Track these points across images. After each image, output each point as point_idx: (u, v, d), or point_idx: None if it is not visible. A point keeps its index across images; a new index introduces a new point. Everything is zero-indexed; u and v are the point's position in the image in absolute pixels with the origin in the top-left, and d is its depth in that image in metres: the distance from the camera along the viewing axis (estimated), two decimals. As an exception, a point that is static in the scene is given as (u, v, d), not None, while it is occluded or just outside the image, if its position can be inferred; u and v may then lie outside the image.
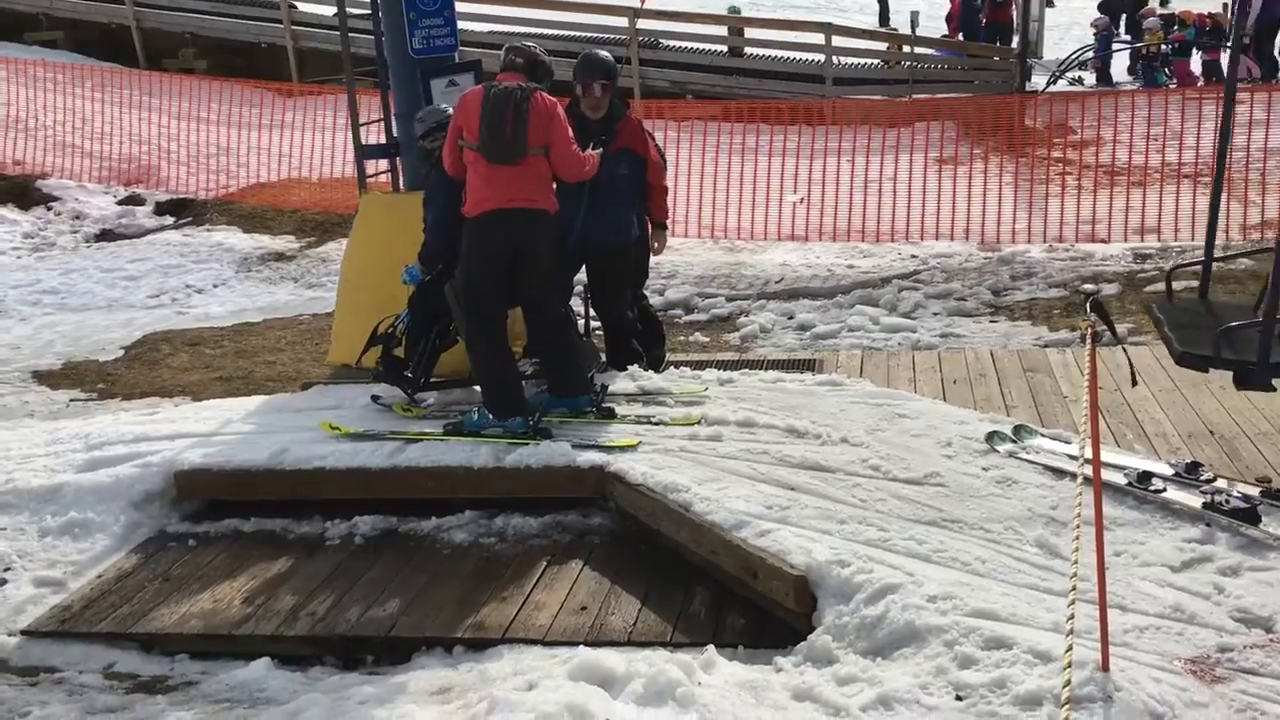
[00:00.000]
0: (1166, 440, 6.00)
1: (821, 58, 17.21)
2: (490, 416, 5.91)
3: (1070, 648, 3.35)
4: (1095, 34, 19.93)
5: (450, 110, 6.31)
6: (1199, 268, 6.06)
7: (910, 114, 13.83)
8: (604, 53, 6.72)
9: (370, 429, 6.06)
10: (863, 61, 17.86)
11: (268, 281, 11.78)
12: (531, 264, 5.89)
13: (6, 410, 8.20)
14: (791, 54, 17.88)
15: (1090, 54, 19.61)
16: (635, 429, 5.86)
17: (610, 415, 6.00)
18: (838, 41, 17.22)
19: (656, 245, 6.90)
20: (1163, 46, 18.65)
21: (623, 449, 5.58)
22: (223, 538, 5.76)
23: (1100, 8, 21.43)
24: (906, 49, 17.40)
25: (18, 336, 10.15)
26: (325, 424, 6.13)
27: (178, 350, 9.56)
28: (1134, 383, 4.25)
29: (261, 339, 9.76)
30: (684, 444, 5.64)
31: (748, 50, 18.27)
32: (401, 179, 7.59)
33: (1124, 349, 4.06)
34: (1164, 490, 5.04)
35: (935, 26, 21.21)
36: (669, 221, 7.21)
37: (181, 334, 10.01)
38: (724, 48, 18.39)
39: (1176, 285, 6.14)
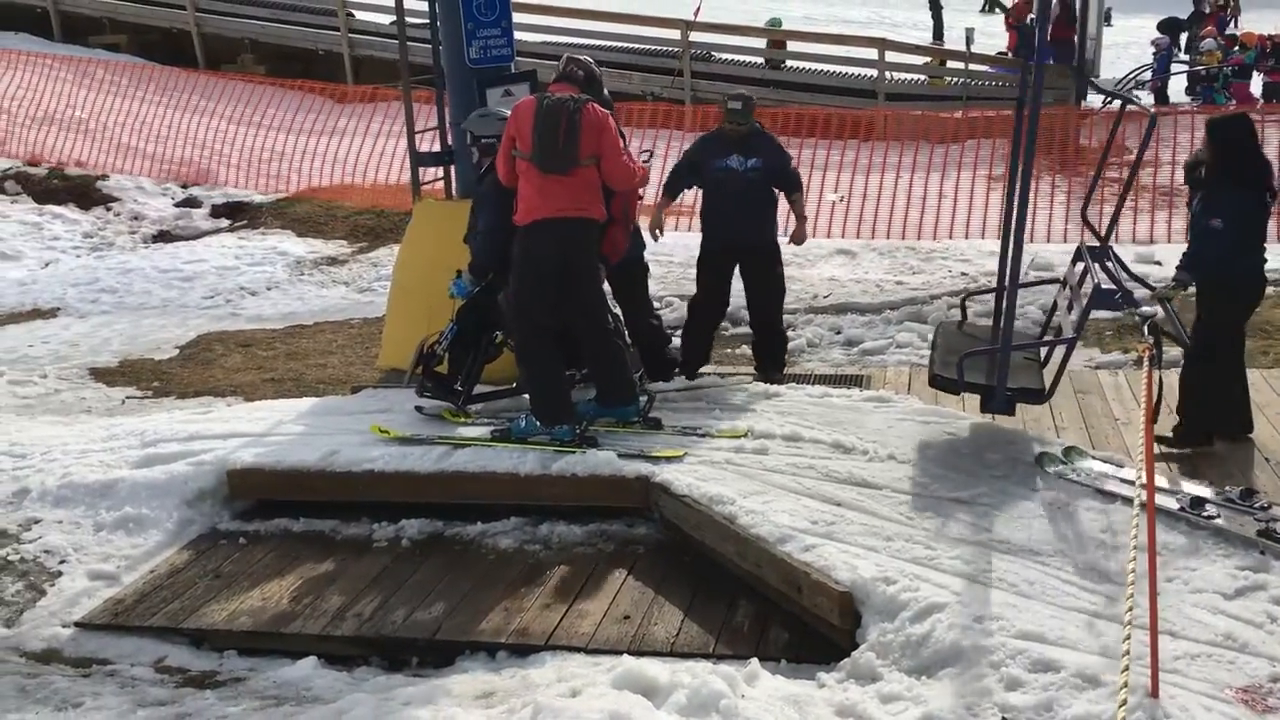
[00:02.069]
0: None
1: (874, 73, 17.16)
2: (538, 424, 5.94)
3: (1127, 668, 3.32)
4: (1155, 53, 19.71)
5: (504, 115, 6.37)
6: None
7: (962, 130, 13.75)
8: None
9: (418, 433, 6.12)
10: (916, 77, 17.79)
11: (320, 285, 11.91)
12: (581, 273, 5.93)
13: (64, 406, 8.36)
14: (845, 69, 17.84)
15: (1148, 74, 19.37)
16: (681, 440, 5.87)
17: (657, 426, 6.02)
18: (891, 57, 17.17)
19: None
20: (1224, 69, 18.40)
21: (669, 459, 5.59)
22: (272, 537, 5.84)
23: (1160, 27, 21.20)
24: (960, 65, 17.30)
25: (76, 334, 10.34)
26: (375, 427, 6.20)
27: (231, 351, 9.69)
28: (1155, 419, 4.18)
29: (313, 342, 9.87)
30: (730, 456, 5.64)
31: (798, 64, 18.23)
32: (455, 187, 7.66)
33: (1160, 378, 4.01)
34: (1217, 516, 4.97)
35: (990, 44, 21.08)
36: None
37: (235, 335, 10.15)
38: (806, 65, 18.35)
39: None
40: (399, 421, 6.33)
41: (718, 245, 7.09)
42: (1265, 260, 5.81)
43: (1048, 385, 5.83)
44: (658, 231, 7.19)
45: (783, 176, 7.05)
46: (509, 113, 6.12)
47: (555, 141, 5.73)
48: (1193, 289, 5.89)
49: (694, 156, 7.22)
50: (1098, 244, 6.12)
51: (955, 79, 17.37)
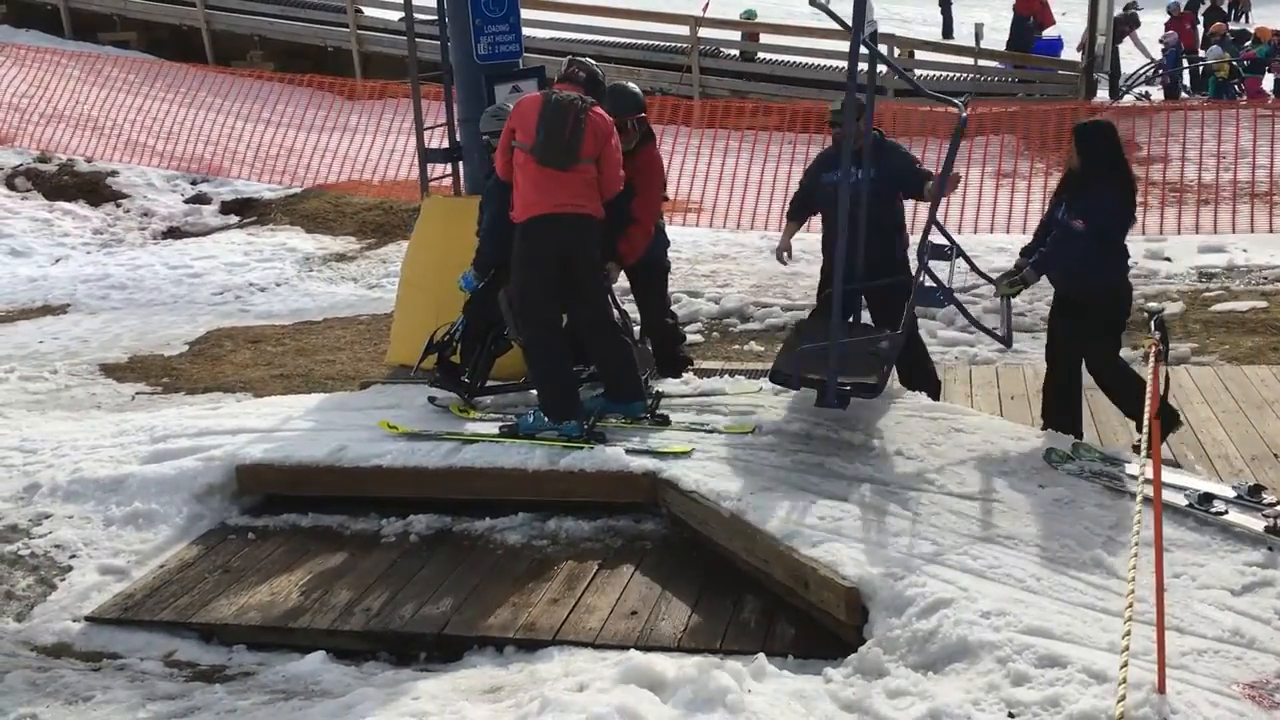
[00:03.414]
0: (1229, 462, 5.91)
1: (883, 69, 17.11)
2: (545, 419, 5.95)
3: (1125, 664, 3.32)
4: (1164, 50, 19.63)
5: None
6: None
7: (970, 126, 13.72)
8: (633, 86, 6.57)
9: (426, 429, 6.14)
10: (925, 73, 17.75)
11: (328, 281, 11.96)
12: (581, 269, 5.93)
13: (75, 402, 8.40)
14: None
15: (1155, 71, 19.32)
16: (689, 436, 5.87)
17: (665, 422, 6.02)
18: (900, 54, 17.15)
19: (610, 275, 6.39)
20: (1234, 63, 18.32)
21: (676, 455, 5.60)
22: (281, 532, 5.86)
23: (1169, 25, 21.11)
24: (970, 61, 17.28)
25: (86, 330, 10.39)
26: (383, 423, 6.22)
27: (240, 347, 9.73)
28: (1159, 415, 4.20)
29: (321, 338, 9.91)
30: (737, 452, 5.65)
31: (804, 60, 18.20)
32: (463, 183, 7.68)
33: (1166, 375, 4.01)
34: (1225, 513, 4.96)
35: (999, 40, 21.01)
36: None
37: (244, 331, 10.19)
38: (781, 57, 18.33)
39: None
40: (407, 417, 6.34)
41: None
42: (1129, 267, 5.87)
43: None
44: (785, 255, 6.65)
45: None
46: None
47: (561, 135, 5.72)
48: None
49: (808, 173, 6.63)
50: (946, 243, 6.15)
51: (964, 75, 17.32)
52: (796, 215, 6.69)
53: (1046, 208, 6.26)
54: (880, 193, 6.15)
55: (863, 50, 5.41)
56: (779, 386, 5.97)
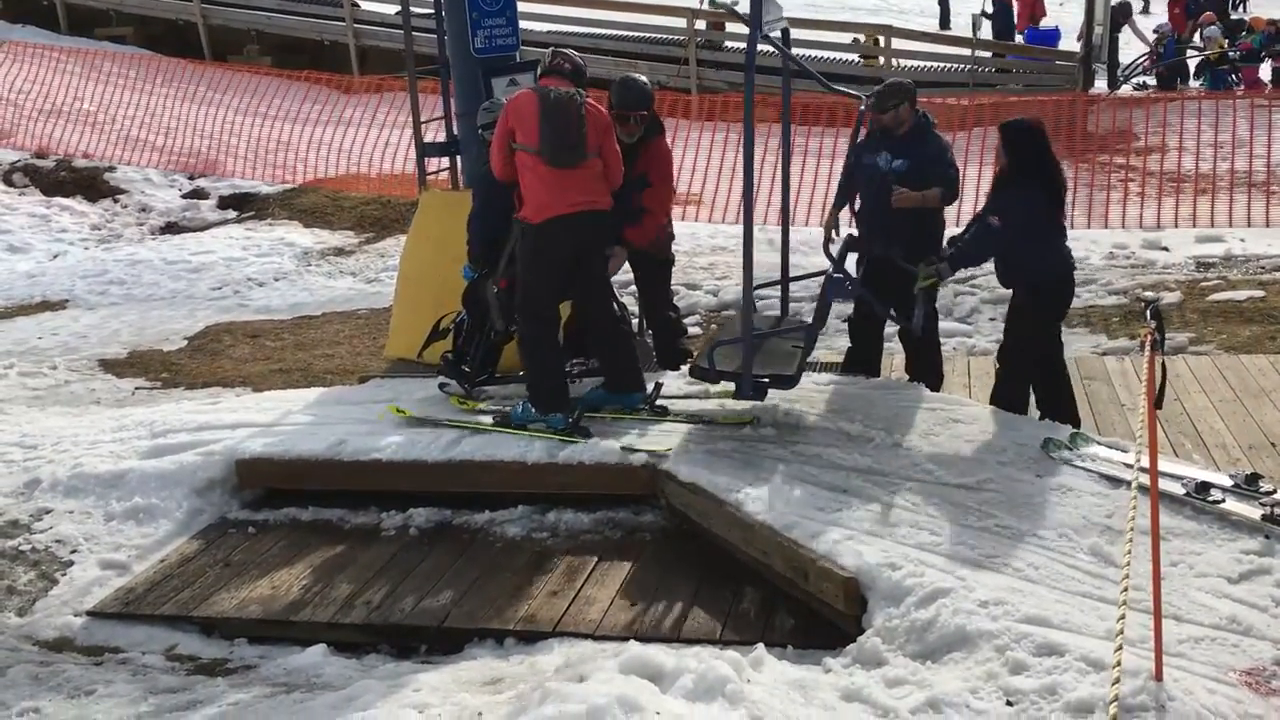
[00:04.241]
0: (1226, 451, 5.93)
1: (880, 60, 17.13)
2: (533, 411, 5.96)
3: (1120, 647, 3.34)
4: (1157, 39, 19.61)
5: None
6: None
7: (969, 117, 13.73)
8: (641, 78, 6.51)
9: (431, 415, 6.17)
10: (922, 64, 17.74)
11: (327, 276, 11.96)
12: (590, 263, 5.94)
13: (74, 397, 8.41)
14: (849, 56, 17.78)
15: (1150, 60, 19.30)
16: (687, 428, 5.88)
17: (663, 413, 6.03)
18: (897, 44, 17.13)
19: (612, 264, 6.37)
20: (1230, 53, 18.31)
21: (660, 454, 5.57)
22: (281, 526, 5.88)
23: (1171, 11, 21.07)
24: (967, 52, 17.26)
25: (85, 325, 10.40)
26: (391, 407, 6.25)
27: (239, 342, 9.73)
28: (1159, 404, 4.23)
29: (320, 332, 9.91)
30: (736, 444, 5.66)
31: (802, 52, 18.15)
32: (461, 177, 7.68)
33: (1163, 364, 4.03)
34: (1222, 501, 4.97)
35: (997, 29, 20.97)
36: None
37: (243, 326, 10.19)
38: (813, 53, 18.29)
39: None
40: (409, 407, 6.35)
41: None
42: (1066, 262, 5.87)
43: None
44: (832, 233, 6.41)
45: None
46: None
47: (567, 133, 5.68)
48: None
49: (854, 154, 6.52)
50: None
51: (962, 65, 17.31)
52: (842, 194, 6.55)
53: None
54: (910, 180, 6.09)
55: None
56: (699, 380, 5.97)
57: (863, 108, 5.87)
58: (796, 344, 5.89)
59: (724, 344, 5.78)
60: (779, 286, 6.60)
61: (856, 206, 6.47)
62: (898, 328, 6.47)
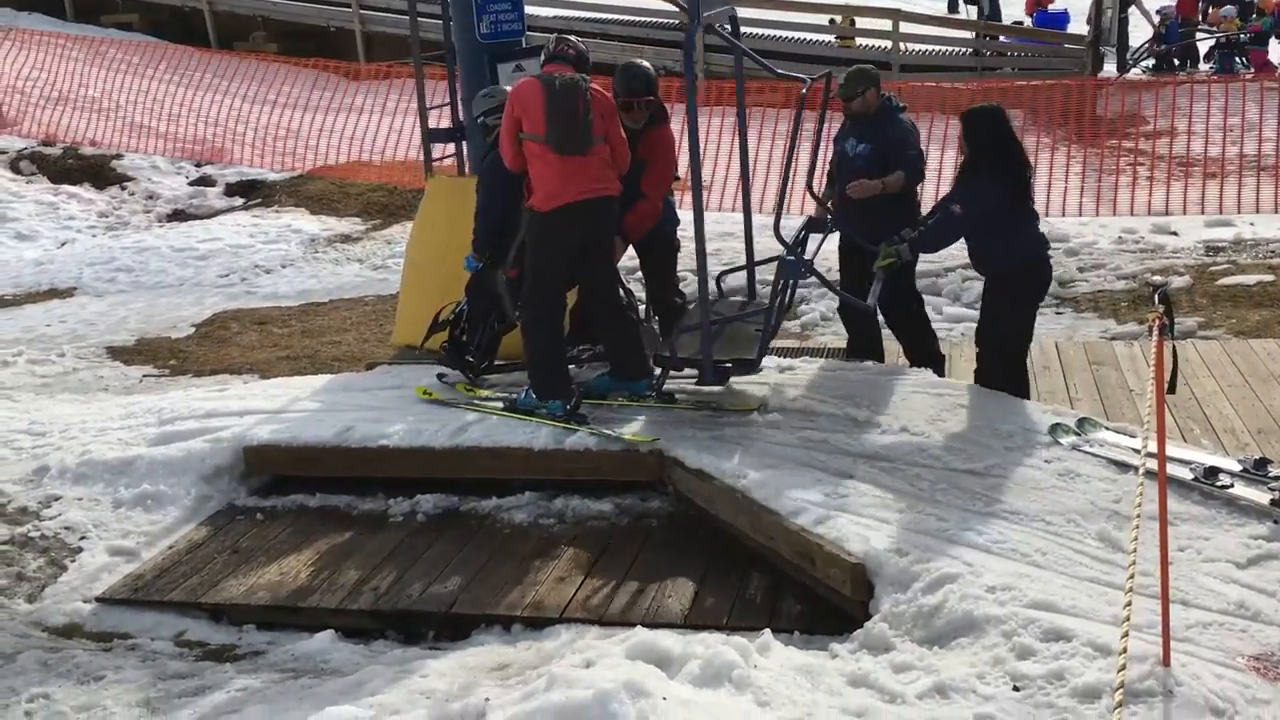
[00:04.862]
0: (1235, 436, 5.91)
1: (888, 44, 17.05)
2: (534, 397, 5.96)
3: (1126, 633, 3.33)
4: (1160, 22, 19.48)
5: (505, 90, 6.38)
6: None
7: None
8: (645, 64, 6.42)
9: (452, 398, 6.24)
10: (931, 48, 17.67)
11: (334, 262, 11.96)
12: (598, 249, 5.92)
13: (83, 385, 8.43)
14: (824, 37, 17.72)
15: (1159, 45, 19.19)
16: (693, 414, 5.88)
17: (670, 400, 6.03)
18: (905, 28, 17.05)
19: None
20: (1240, 35, 18.20)
21: (644, 442, 5.55)
22: (289, 512, 5.89)
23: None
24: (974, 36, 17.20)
25: (93, 313, 10.41)
26: (419, 389, 6.34)
27: (246, 329, 9.74)
28: (1172, 389, 4.24)
29: (327, 319, 9.92)
30: (743, 430, 5.66)
31: (810, 36, 18.12)
32: (467, 163, 7.67)
33: (1174, 349, 4.02)
34: (1231, 486, 4.96)
35: (1007, 14, 20.87)
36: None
37: (250, 313, 10.20)
38: (788, 34, 18.23)
39: None
40: (414, 397, 6.36)
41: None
42: (1035, 246, 5.86)
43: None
44: (823, 206, 6.50)
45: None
46: (505, 90, 6.10)
47: (575, 120, 5.66)
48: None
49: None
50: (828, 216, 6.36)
51: (970, 49, 17.24)
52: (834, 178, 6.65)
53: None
54: (874, 165, 6.21)
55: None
56: (673, 370, 5.99)
57: (804, 90, 5.91)
58: (759, 328, 5.94)
59: (685, 331, 5.80)
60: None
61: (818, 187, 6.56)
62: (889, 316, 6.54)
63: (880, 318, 6.60)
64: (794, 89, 6.83)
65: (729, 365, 5.76)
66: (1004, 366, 6.01)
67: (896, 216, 6.17)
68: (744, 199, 6.69)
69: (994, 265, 5.91)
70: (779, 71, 6.45)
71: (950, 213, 5.86)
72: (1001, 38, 18.13)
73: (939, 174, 11.09)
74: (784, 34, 18.05)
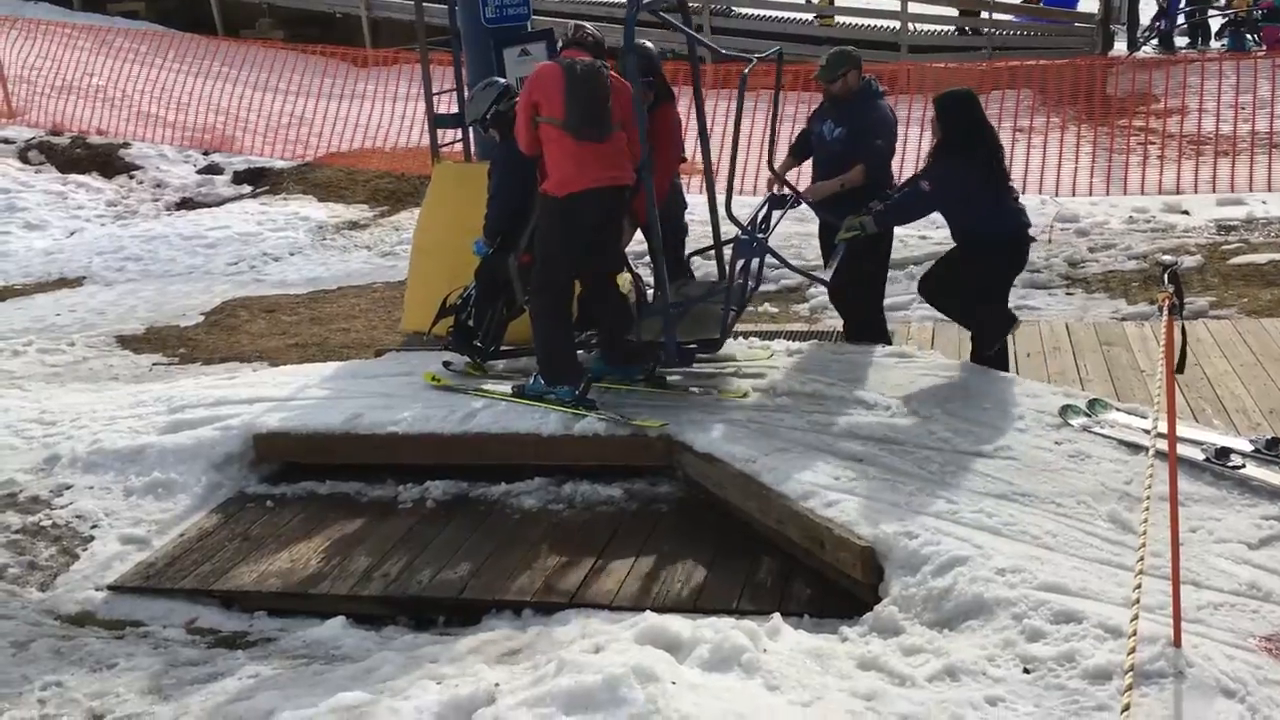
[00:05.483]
0: (1247, 416, 5.88)
1: (897, 25, 16.96)
2: (544, 383, 5.96)
3: (1136, 615, 3.32)
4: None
5: (499, 80, 6.37)
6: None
7: (987, 82, 13.58)
8: (647, 44, 6.40)
9: (460, 384, 6.25)
10: (941, 28, 17.56)
11: (342, 250, 11.96)
12: (608, 238, 5.91)
13: (92, 374, 8.45)
14: (867, 21, 17.63)
15: (1163, 21, 19.03)
16: (700, 400, 5.86)
17: (662, 385, 6.02)
18: (914, 8, 16.95)
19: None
20: (1252, 12, 18.04)
21: (653, 427, 5.55)
22: (299, 499, 5.90)
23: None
24: (984, 15, 17.08)
25: (102, 302, 10.43)
26: (428, 375, 6.34)
27: (255, 317, 9.75)
28: (1180, 369, 4.22)
29: (336, 306, 9.92)
30: (752, 414, 5.65)
31: (760, 11, 18.05)
32: (474, 149, 7.65)
33: (1183, 328, 4.01)
34: (1243, 466, 4.94)
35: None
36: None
37: (259, 301, 10.21)
38: (795, 15, 18.14)
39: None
40: (422, 383, 6.36)
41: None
42: (1009, 226, 5.91)
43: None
44: (775, 178, 6.54)
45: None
46: (500, 80, 6.07)
47: (595, 107, 5.62)
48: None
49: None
50: (788, 193, 6.44)
51: (981, 29, 17.12)
52: (796, 153, 6.69)
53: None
54: (847, 150, 6.22)
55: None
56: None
57: (746, 70, 5.94)
58: (727, 308, 6.00)
59: (648, 315, 5.80)
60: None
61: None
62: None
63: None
64: (801, 69, 6.86)
65: (693, 346, 5.82)
66: (951, 310, 6.17)
67: (869, 198, 6.15)
68: (707, 181, 6.69)
69: (970, 242, 6.01)
70: (723, 52, 6.50)
71: (918, 189, 5.94)
72: (1011, 17, 17.98)
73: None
74: (772, 14, 18.02)
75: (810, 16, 18.19)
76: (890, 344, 6.59)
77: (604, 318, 6.17)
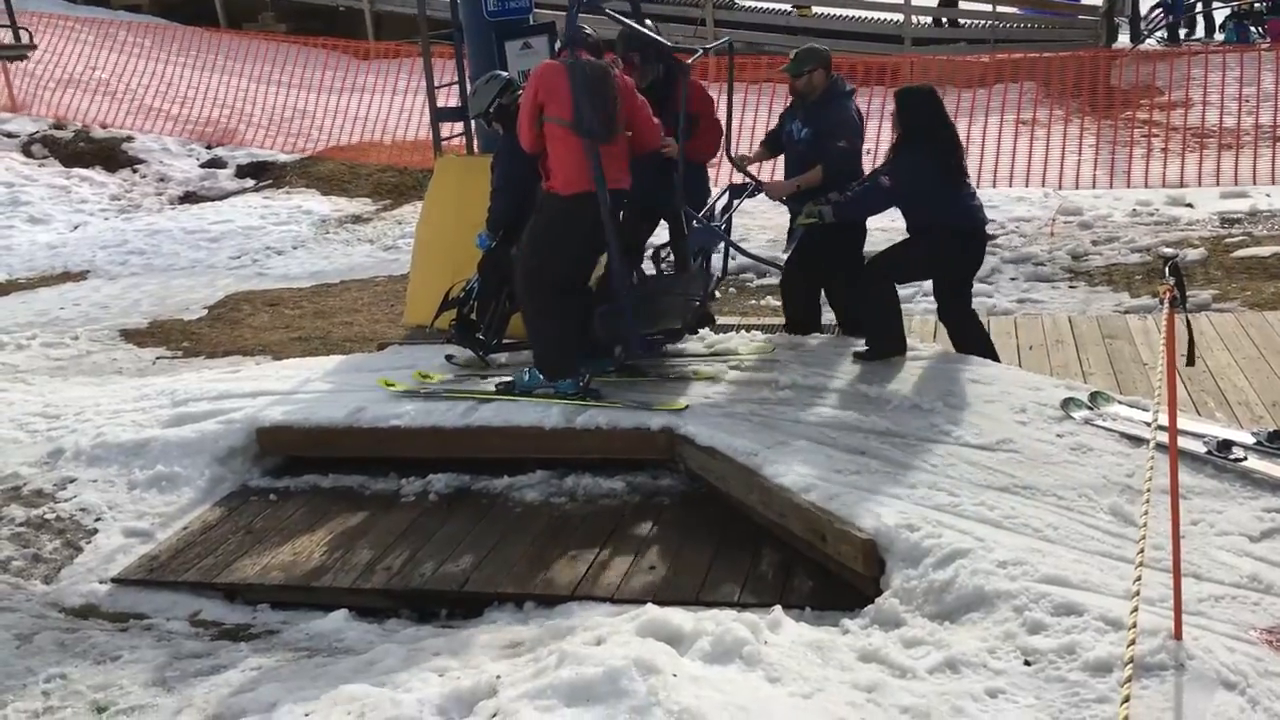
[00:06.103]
0: (1249, 409, 5.88)
1: (899, 17, 16.94)
2: (541, 378, 5.95)
3: (1137, 608, 3.32)
4: None
5: (501, 73, 6.36)
6: None
7: (990, 74, 13.57)
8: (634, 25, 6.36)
9: (446, 383, 6.24)
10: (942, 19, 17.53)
11: (345, 243, 11.98)
12: (600, 238, 5.89)
13: (96, 367, 8.47)
14: (869, 13, 17.61)
15: (1166, 14, 18.99)
16: (703, 391, 5.87)
17: (636, 373, 6.03)
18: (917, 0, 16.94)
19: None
20: (1256, 5, 18.00)
21: (673, 411, 5.58)
22: (302, 493, 5.91)
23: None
24: (988, 8, 17.05)
25: (106, 296, 10.46)
26: (416, 373, 6.35)
27: (258, 310, 9.77)
28: (1190, 361, 4.23)
29: (339, 300, 9.94)
30: (754, 407, 5.65)
31: (821, 10, 18.00)
32: (476, 142, 7.65)
33: (1188, 320, 4.01)
34: (1244, 459, 4.94)
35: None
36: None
37: (262, 294, 10.23)
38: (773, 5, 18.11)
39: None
40: (397, 380, 6.38)
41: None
42: (965, 220, 5.94)
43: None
44: (741, 165, 6.64)
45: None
46: (502, 73, 6.07)
47: (604, 108, 5.61)
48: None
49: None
50: (749, 182, 6.51)
51: (982, 22, 17.10)
52: (768, 146, 6.70)
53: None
54: (812, 150, 6.22)
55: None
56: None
57: (690, 60, 6.05)
58: (689, 297, 6.10)
59: (606, 310, 5.84)
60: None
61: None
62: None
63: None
64: (775, 64, 6.91)
65: (658, 336, 5.87)
66: (962, 334, 6.18)
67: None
68: (677, 176, 6.64)
69: (926, 236, 6.04)
70: (668, 44, 6.51)
71: (877, 183, 5.96)
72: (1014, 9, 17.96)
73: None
74: (774, 6, 18.02)
75: (788, 7, 18.15)
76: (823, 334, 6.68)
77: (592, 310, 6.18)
